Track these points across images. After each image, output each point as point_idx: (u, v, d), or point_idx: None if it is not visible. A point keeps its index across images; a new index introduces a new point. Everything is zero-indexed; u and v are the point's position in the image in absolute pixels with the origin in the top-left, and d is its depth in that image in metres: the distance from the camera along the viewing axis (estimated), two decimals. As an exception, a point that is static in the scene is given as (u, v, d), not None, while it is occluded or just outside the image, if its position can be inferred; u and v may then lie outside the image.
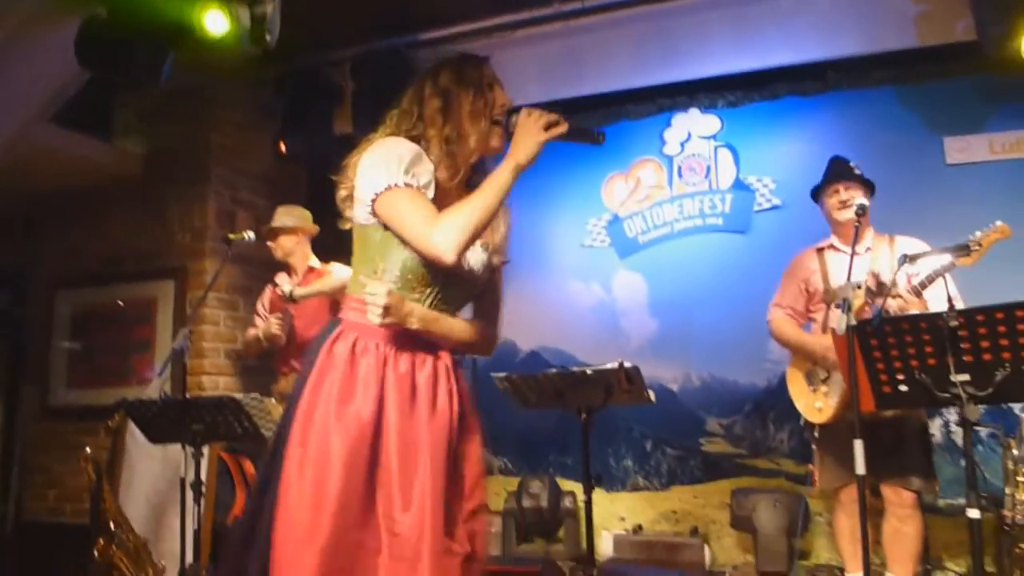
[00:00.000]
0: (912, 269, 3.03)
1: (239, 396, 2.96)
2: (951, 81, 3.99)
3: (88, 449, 3.16)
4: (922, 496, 3.06)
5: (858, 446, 2.42)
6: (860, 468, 2.41)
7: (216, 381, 4.48)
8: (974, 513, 2.32)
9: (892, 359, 2.42)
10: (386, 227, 1.76)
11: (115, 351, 4.60)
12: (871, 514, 3.16)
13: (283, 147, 4.50)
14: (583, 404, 3.09)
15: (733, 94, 4.38)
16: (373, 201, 1.74)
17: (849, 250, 3.15)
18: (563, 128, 1.79)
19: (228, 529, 4.09)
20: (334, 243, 4.30)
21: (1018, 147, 3.92)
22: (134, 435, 4.37)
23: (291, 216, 3.95)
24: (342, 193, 1.87)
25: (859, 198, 3.05)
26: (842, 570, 3.75)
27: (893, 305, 2.83)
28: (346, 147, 4.89)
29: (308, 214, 3.97)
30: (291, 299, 3.64)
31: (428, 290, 1.80)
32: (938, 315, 2.31)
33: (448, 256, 1.68)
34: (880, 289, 3.04)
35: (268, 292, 4.01)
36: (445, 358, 1.84)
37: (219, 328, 4.52)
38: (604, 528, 4.24)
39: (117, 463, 4.38)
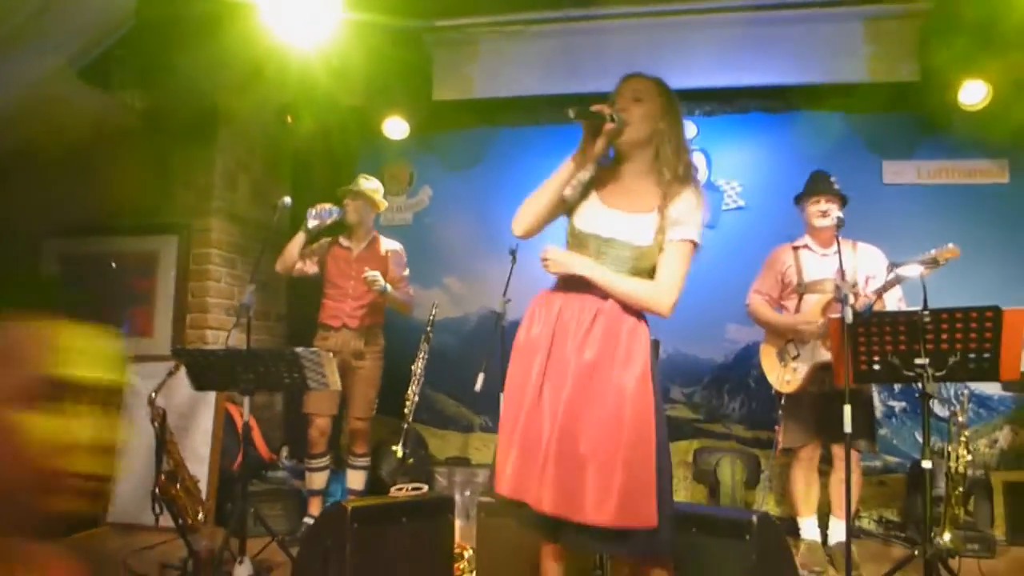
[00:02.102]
0: (871, 271, 3.72)
1: (299, 349, 3.23)
2: (890, 113, 4.75)
3: (153, 394, 3.32)
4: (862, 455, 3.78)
5: (847, 410, 3.00)
6: (847, 427, 3.00)
7: (217, 335, 4.65)
8: (927, 464, 3.00)
9: (872, 344, 3.05)
10: None
11: (111, 302, 4.66)
12: (811, 472, 3.86)
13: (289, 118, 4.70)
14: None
15: (709, 105, 4.97)
16: None
17: (820, 251, 3.83)
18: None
19: (232, 475, 4.35)
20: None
21: (938, 174, 4.76)
22: (133, 386, 4.50)
23: (373, 186, 4.23)
24: None
25: (836, 210, 3.68)
26: (782, 519, 4.48)
27: (860, 302, 3.48)
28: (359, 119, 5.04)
29: (382, 188, 4.27)
30: (382, 293, 3.97)
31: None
32: (915, 312, 2.95)
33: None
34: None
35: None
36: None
37: (220, 285, 4.69)
38: (576, 481, 4.79)
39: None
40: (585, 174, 2.24)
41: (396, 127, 4.76)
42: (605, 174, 2.27)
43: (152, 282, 4.64)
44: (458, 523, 3.34)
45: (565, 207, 2.26)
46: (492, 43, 4.84)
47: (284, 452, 4.78)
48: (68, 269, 4.78)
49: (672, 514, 2.11)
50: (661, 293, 2.13)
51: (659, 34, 4.70)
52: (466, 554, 3.34)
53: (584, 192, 2.24)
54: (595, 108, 2.10)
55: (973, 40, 4.15)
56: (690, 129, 4.99)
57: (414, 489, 3.06)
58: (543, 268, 2.21)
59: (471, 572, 3.28)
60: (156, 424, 3.32)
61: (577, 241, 2.20)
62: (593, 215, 2.18)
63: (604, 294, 2.12)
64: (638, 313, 2.16)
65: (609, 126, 2.10)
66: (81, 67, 4.07)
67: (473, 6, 4.63)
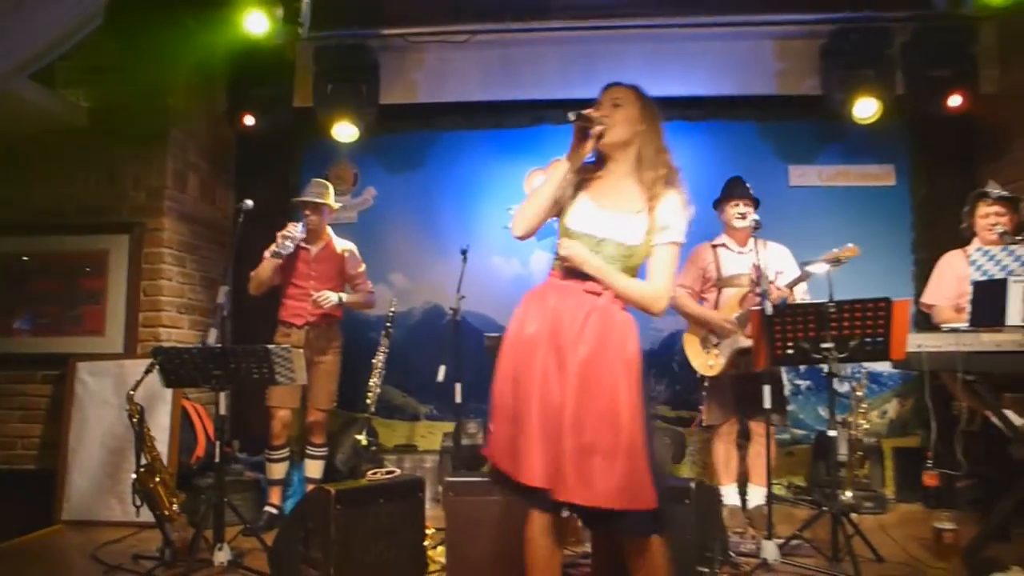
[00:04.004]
0: (780, 267, 4.20)
1: (271, 346, 3.44)
2: (795, 123, 5.31)
3: (131, 392, 3.45)
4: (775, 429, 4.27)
5: (766, 390, 3.48)
6: (767, 403, 3.47)
7: (171, 333, 4.75)
8: (832, 433, 3.50)
9: (787, 331, 3.51)
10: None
11: (60, 301, 4.69)
12: (731, 445, 4.32)
13: (245, 119, 4.83)
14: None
15: (635, 113, 5.37)
16: None
17: (737, 249, 4.29)
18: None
19: (191, 469, 4.49)
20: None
21: (837, 178, 5.35)
22: (85, 383, 4.58)
23: (327, 191, 4.43)
24: None
25: (752, 213, 4.13)
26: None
27: (774, 295, 3.93)
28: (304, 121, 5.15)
29: (332, 188, 4.49)
30: (340, 303, 4.28)
31: None
32: (821, 304, 3.43)
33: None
34: (758, 280, 4.16)
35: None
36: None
37: (172, 284, 4.79)
38: (519, 462, 5.16)
39: (66, 410, 4.54)
40: (572, 176, 2.41)
41: (344, 130, 4.96)
42: (592, 176, 2.44)
43: (103, 281, 4.69)
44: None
45: (558, 207, 2.42)
46: (436, 51, 5.11)
47: (236, 445, 4.94)
48: (10, 267, 4.75)
49: (666, 494, 2.31)
50: (658, 295, 2.34)
51: (592, 46, 5.08)
52: (428, 531, 3.64)
53: (573, 193, 2.41)
54: (585, 112, 2.33)
55: (864, 61, 4.72)
56: (619, 135, 5.40)
57: (387, 473, 3.34)
58: (562, 256, 2.37)
59: (434, 547, 3.58)
60: (135, 420, 3.46)
61: (571, 240, 2.37)
62: (586, 215, 2.37)
63: (597, 291, 2.31)
64: (627, 308, 2.37)
65: (597, 129, 2.34)
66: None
67: (419, 17, 4.88)
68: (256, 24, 3.86)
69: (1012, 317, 3.28)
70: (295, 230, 4.09)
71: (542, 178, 5.56)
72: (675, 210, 2.39)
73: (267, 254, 4.21)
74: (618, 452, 2.18)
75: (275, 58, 4.86)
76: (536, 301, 2.40)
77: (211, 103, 5.18)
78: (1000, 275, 3.44)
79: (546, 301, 2.35)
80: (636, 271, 2.39)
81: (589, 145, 2.38)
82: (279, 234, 4.09)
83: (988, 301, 3.38)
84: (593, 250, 2.34)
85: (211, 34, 4.50)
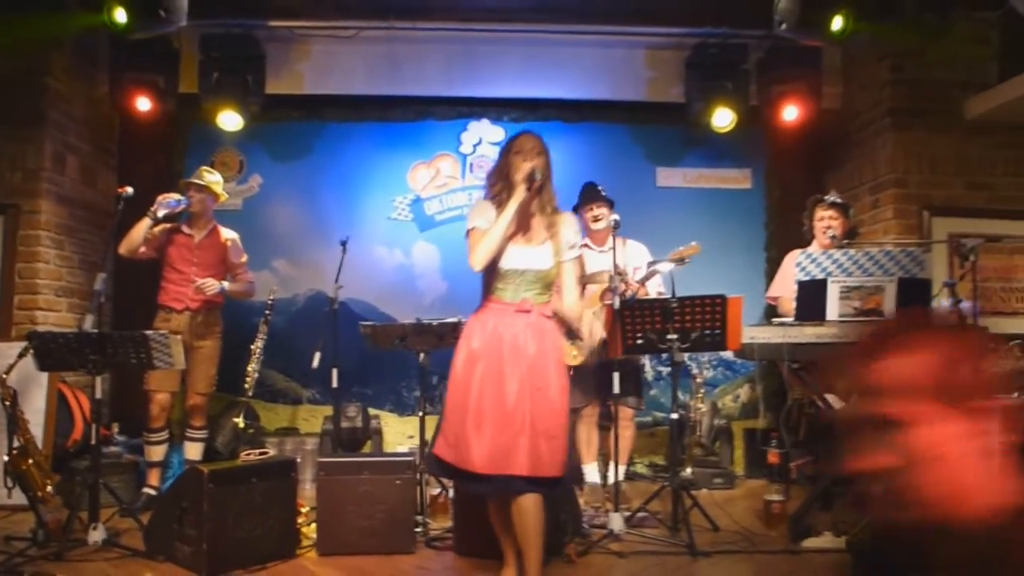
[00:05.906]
0: (637, 263, 4.57)
1: (149, 332, 3.54)
2: (663, 127, 5.70)
3: (4, 374, 3.47)
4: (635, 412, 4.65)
5: (615, 377, 3.84)
6: (616, 389, 3.83)
7: (47, 316, 4.73)
8: (675, 416, 3.89)
9: (636, 323, 3.87)
10: None
11: (-73, 282, 4.60)
12: (591, 426, 4.67)
13: (135, 102, 4.84)
14: (421, 347, 4.17)
15: (516, 112, 5.66)
16: None
17: (598, 249, 4.62)
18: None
19: (67, 452, 4.51)
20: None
21: (699, 180, 5.79)
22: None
23: (217, 179, 4.52)
24: None
25: (608, 214, 4.46)
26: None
27: (629, 290, 4.28)
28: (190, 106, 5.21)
29: (222, 180, 4.60)
30: (222, 291, 4.40)
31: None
32: (667, 299, 3.79)
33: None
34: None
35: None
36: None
37: (49, 267, 4.76)
38: (398, 444, 5.40)
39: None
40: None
41: (229, 119, 5.02)
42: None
43: (-24, 263, 4.62)
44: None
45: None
46: (323, 44, 5.23)
47: (116, 428, 4.97)
48: None
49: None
50: (572, 300, 3.00)
51: (474, 47, 5.33)
52: (303, 510, 3.83)
53: None
54: (535, 168, 2.84)
55: (722, 73, 5.14)
56: (499, 133, 5.67)
57: (261, 454, 3.51)
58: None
59: (308, 524, 3.78)
60: (7, 403, 3.50)
61: (501, 276, 2.88)
62: (511, 256, 2.86)
63: (527, 309, 2.86)
64: (551, 315, 2.97)
65: (539, 178, 2.84)
66: None
67: (305, 10, 4.99)
68: (119, 15, 3.98)
69: (831, 313, 3.73)
70: (175, 198, 4.21)
71: (426, 172, 5.82)
72: (575, 228, 3.02)
73: None
74: (559, 433, 2.82)
75: (159, 43, 4.90)
76: (478, 324, 2.90)
77: (93, 85, 5.14)
78: (821, 276, 3.87)
79: (486, 323, 2.87)
80: (552, 284, 2.97)
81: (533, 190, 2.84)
82: (158, 197, 4.20)
83: (811, 298, 3.81)
84: (518, 279, 2.87)
85: (90, 16, 4.48)
